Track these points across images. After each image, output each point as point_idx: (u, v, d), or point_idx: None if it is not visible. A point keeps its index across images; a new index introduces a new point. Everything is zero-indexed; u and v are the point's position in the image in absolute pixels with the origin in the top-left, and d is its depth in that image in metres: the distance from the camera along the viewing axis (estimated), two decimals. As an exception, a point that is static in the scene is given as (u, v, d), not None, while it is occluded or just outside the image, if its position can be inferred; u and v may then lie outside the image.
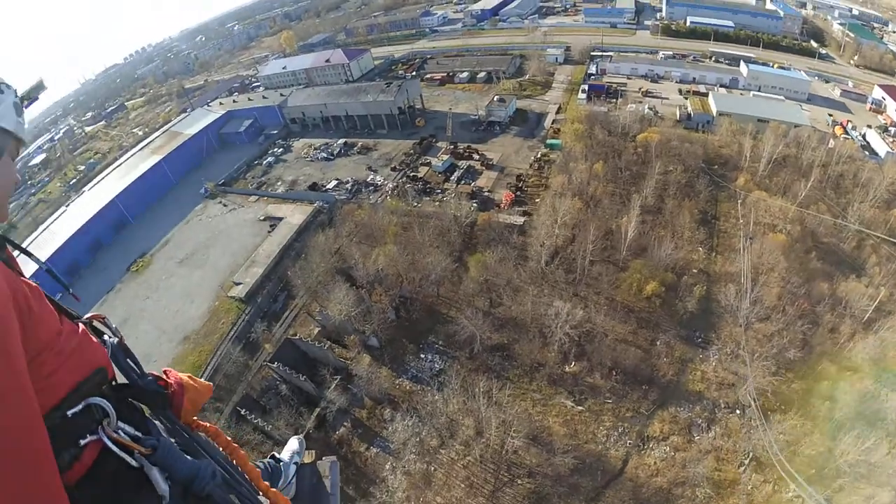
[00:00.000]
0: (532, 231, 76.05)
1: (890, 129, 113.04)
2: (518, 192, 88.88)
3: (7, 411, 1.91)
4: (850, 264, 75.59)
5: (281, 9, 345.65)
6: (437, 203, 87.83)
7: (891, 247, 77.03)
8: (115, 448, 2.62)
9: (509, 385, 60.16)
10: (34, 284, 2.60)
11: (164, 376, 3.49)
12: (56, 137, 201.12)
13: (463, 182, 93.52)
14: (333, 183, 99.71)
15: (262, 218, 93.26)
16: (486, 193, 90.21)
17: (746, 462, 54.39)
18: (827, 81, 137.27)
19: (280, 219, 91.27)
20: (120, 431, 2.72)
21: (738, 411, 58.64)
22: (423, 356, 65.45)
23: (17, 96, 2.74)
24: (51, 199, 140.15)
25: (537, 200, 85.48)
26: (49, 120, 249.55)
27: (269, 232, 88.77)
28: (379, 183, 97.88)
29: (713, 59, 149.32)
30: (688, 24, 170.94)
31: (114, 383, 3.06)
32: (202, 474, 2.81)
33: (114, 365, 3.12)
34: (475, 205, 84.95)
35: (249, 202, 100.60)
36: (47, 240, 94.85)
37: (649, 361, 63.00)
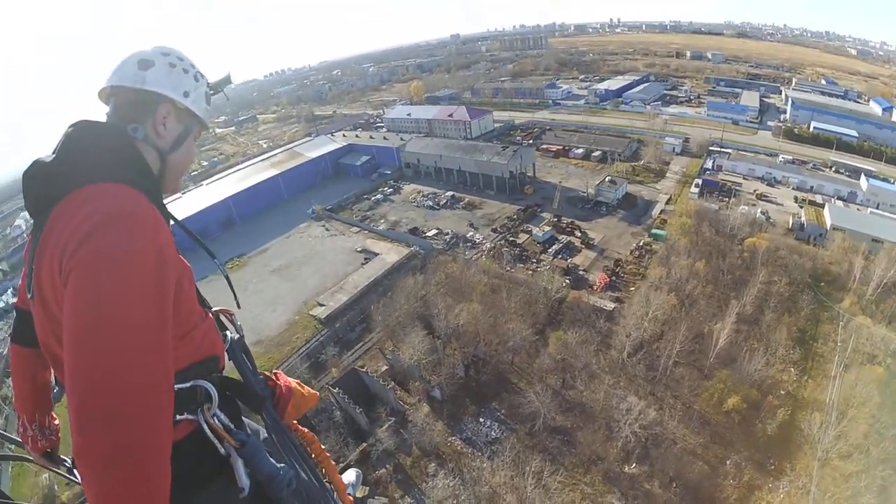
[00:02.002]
0: (620, 319, 72.16)
1: None
2: (613, 277, 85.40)
3: (150, 368, 2.04)
4: None
5: (415, 59, 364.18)
6: (530, 272, 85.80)
7: None
8: (208, 432, 2.73)
9: (562, 471, 56.23)
10: (187, 264, 2.81)
11: (274, 378, 3.84)
12: None
13: (560, 256, 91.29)
14: (433, 231, 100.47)
15: (358, 249, 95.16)
16: (581, 272, 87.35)
17: None
18: None
19: (375, 254, 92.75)
20: (216, 418, 2.79)
21: None
22: (481, 420, 62.86)
23: (208, 86, 3.21)
24: None
25: (632, 289, 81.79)
26: None
27: (363, 264, 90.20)
28: (477, 241, 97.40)
29: (833, 168, 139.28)
30: (811, 129, 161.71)
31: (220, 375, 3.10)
32: (279, 479, 2.83)
33: (229, 359, 3.43)
34: (568, 281, 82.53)
35: (350, 232, 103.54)
36: None
37: (714, 480, 56.94)
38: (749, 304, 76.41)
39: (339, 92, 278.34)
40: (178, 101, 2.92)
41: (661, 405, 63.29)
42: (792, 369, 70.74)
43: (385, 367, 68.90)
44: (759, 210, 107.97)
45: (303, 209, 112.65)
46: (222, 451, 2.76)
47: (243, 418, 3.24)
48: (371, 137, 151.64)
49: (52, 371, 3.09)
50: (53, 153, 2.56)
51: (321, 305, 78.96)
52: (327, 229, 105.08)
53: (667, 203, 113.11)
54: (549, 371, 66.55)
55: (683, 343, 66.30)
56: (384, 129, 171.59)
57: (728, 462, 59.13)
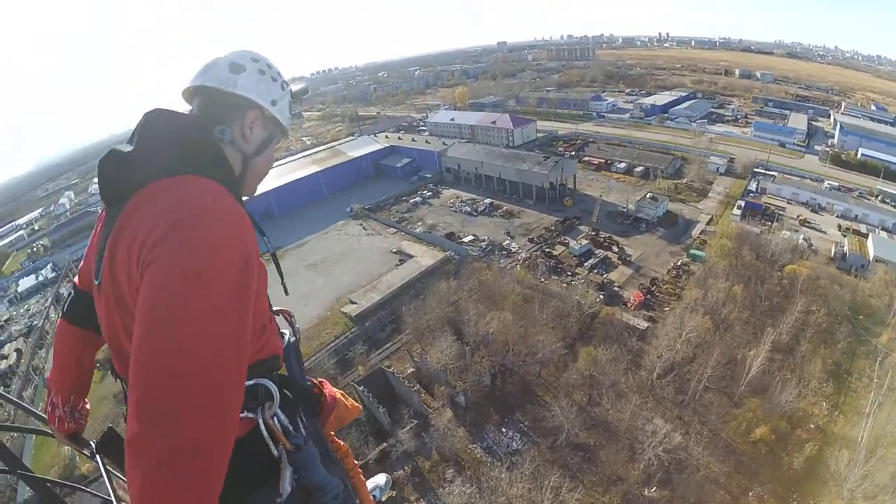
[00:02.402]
0: (653, 339, 71.17)
1: None
2: (648, 296, 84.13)
3: (227, 364, 2.01)
4: None
5: (461, 65, 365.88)
6: (565, 285, 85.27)
7: None
8: (265, 432, 2.65)
9: (581, 489, 55.14)
10: (263, 263, 2.68)
11: (320, 385, 3.83)
12: None
13: (595, 271, 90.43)
14: (470, 237, 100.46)
15: (394, 250, 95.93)
16: (616, 288, 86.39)
17: None
18: None
19: (410, 256, 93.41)
20: (275, 419, 2.75)
21: None
22: (504, 430, 62.52)
23: (291, 96, 3.28)
24: None
25: (666, 309, 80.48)
26: None
27: (397, 265, 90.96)
28: (513, 249, 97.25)
29: (879, 197, 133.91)
30: (859, 155, 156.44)
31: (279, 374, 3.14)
32: (329, 489, 2.81)
33: (283, 360, 3.30)
34: (602, 297, 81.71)
35: (387, 232, 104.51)
36: None
37: (737, 511, 55.28)
38: (785, 332, 74.34)
39: (384, 93, 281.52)
40: (266, 108, 2.98)
41: (687, 430, 62.01)
42: (824, 403, 68.51)
43: (412, 370, 69.21)
44: (801, 236, 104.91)
45: (342, 207, 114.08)
46: (275, 453, 2.67)
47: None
48: (413, 140, 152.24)
49: (114, 363, 2.83)
50: (131, 142, 2.55)
51: (353, 303, 79.84)
52: (364, 228, 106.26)
53: (708, 223, 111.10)
54: (577, 386, 65.98)
55: (715, 368, 64.97)
56: (427, 133, 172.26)
57: (751, 494, 57.46)
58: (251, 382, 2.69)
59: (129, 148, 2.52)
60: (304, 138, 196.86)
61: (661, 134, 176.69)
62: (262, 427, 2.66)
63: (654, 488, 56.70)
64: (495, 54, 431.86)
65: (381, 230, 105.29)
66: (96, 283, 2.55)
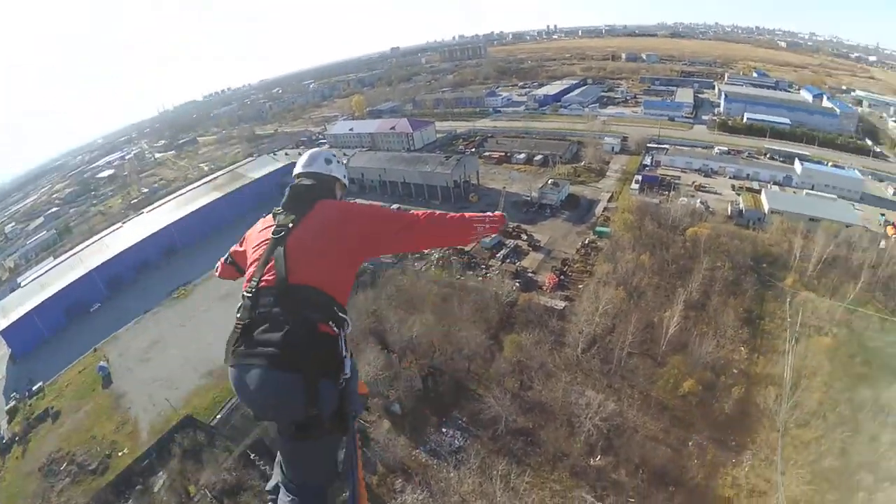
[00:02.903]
0: (572, 317, 74.14)
1: None
2: (562, 277, 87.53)
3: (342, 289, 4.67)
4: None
5: (356, 74, 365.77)
6: (480, 278, 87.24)
7: None
8: (342, 342, 4.34)
9: (529, 472, 57.31)
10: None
11: None
12: (127, 157, 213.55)
13: (508, 261, 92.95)
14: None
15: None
16: (530, 274, 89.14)
17: None
18: (881, 180, 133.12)
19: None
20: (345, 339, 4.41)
21: None
22: (444, 430, 63.23)
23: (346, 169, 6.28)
24: (110, 212, 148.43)
25: (580, 286, 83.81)
26: (124, 139, 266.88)
27: None
28: (425, 252, 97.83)
29: (768, 156, 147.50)
30: (745, 120, 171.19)
31: None
32: (355, 400, 4.57)
33: None
34: (517, 284, 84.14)
35: None
36: (98, 250, 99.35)
37: (679, 462, 59.14)
38: (695, 290, 79.88)
39: (281, 110, 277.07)
40: (343, 180, 6.04)
41: (619, 396, 65.12)
42: (742, 348, 74.10)
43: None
44: (698, 201, 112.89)
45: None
46: (344, 353, 4.32)
47: None
48: None
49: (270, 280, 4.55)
50: (305, 183, 5.50)
51: None
52: None
53: (609, 201, 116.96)
54: (506, 374, 67.55)
55: (635, 334, 68.65)
56: (327, 146, 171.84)
57: (690, 443, 61.38)
58: (342, 315, 4.44)
59: (308, 182, 5.50)
60: (202, 164, 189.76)
61: (557, 122, 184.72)
62: (343, 339, 4.33)
63: (599, 457, 59.24)
64: (389, 60, 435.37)
65: None
66: (280, 248, 4.58)
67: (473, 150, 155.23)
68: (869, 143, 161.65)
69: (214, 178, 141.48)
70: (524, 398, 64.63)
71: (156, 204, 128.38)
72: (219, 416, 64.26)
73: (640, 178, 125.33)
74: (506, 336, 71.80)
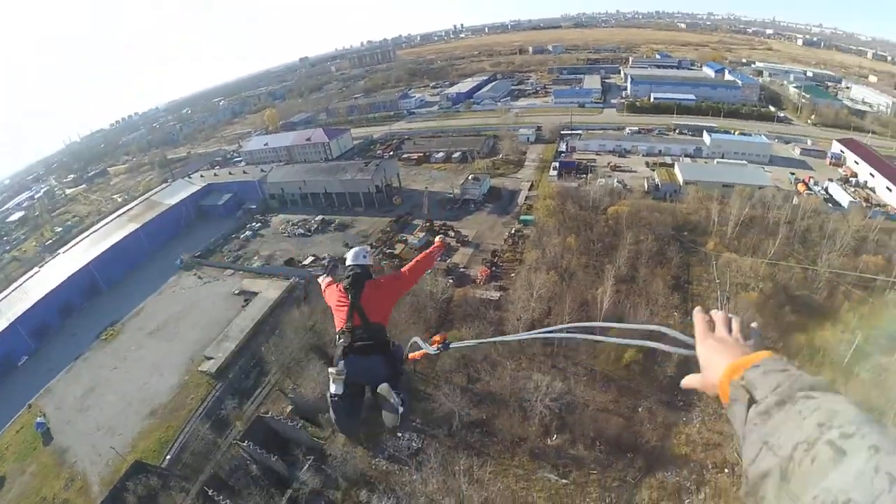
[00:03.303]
0: (508, 305, 76.27)
1: (851, 180, 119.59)
2: (493, 268, 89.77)
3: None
4: (824, 313, 76.76)
5: (266, 87, 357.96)
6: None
7: (862, 291, 79.34)
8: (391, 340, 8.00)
9: (490, 462, 58.63)
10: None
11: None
12: (36, 196, 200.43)
13: (439, 259, 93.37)
14: (310, 259, 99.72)
15: (236, 292, 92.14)
16: (462, 269, 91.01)
17: None
18: (787, 142, 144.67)
19: (255, 293, 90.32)
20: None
21: (726, 470, 57.64)
22: (399, 435, 62.92)
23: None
24: (25, 257, 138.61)
25: (512, 275, 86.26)
26: (31, 178, 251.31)
27: (244, 306, 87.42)
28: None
29: (677, 131, 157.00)
30: (651, 100, 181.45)
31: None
32: (402, 389, 7.53)
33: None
34: (451, 281, 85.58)
35: (224, 275, 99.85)
36: (18, 298, 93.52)
37: (632, 429, 62.21)
38: (623, 265, 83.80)
39: (192, 131, 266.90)
40: (371, 264, 8.51)
41: (564, 375, 67.58)
42: (675, 313, 78.06)
43: (290, 407, 67.44)
44: (615, 180, 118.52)
45: (170, 261, 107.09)
46: (394, 345, 8.00)
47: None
48: (230, 174, 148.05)
49: (356, 321, 7.65)
50: (357, 271, 8.01)
51: (209, 359, 75.48)
52: (200, 277, 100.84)
53: (530, 189, 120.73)
54: (452, 371, 68.88)
55: (571, 314, 71.33)
56: (243, 163, 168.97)
57: (640, 409, 64.68)
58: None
59: (358, 270, 8.01)
60: (115, 196, 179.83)
61: (471, 118, 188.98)
62: (391, 339, 7.87)
63: (555, 436, 61.42)
64: (298, 71, 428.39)
65: (217, 275, 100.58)
66: (358, 306, 7.60)
67: (392, 153, 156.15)
68: (772, 109, 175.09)
69: (129, 208, 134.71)
70: (473, 391, 66.00)
71: (71, 243, 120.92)
72: (168, 457, 61.87)
73: (557, 164, 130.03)
74: (446, 333, 72.49)
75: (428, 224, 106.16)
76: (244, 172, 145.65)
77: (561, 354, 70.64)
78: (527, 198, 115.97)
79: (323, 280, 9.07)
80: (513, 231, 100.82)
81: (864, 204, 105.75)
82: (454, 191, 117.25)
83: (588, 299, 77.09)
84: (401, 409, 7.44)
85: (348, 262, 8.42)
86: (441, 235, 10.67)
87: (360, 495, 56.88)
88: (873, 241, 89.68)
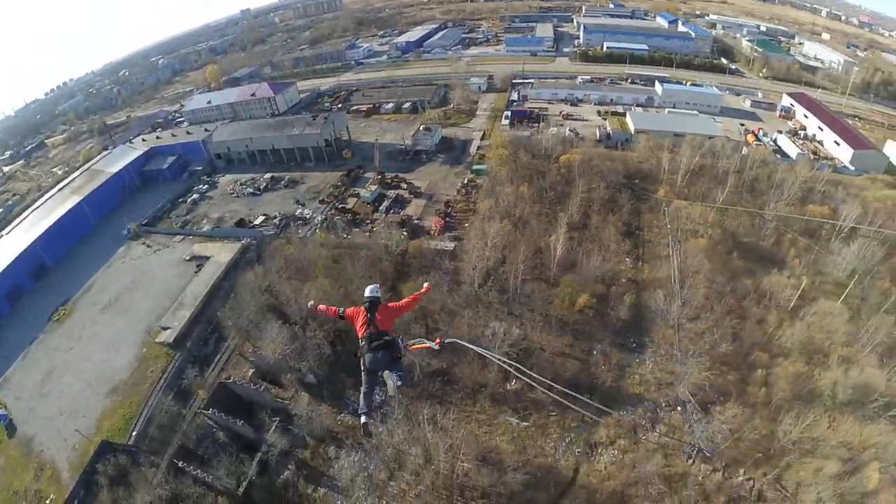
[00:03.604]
0: (463, 255, 77.05)
1: (799, 132, 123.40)
2: (447, 218, 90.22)
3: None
4: (771, 259, 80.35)
5: (206, 42, 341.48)
6: (367, 234, 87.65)
7: (808, 239, 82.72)
8: (397, 339, 11.33)
9: (453, 409, 60.17)
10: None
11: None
12: None
13: (392, 211, 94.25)
14: (261, 218, 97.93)
15: (187, 258, 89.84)
16: (416, 221, 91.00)
17: (693, 454, 56.48)
18: (738, 94, 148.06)
19: (207, 258, 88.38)
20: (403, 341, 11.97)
21: (678, 408, 60.74)
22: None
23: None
24: None
25: (466, 225, 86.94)
26: None
27: (196, 272, 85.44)
28: (307, 216, 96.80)
29: (629, 80, 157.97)
30: (604, 49, 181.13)
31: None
32: (400, 367, 10.96)
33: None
34: (405, 233, 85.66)
35: (174, 242, 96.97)
36: None
37: (588, 371, 64.52)
38: (575, 212, 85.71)
39: (131, 93, 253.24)
40: (380, 296, 12.00)
41: (521, 322, 69.21)
42: (627, 259, 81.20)
43: (252, 371, 67.15)
44: (567, 129, 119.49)
45: (117, 231, 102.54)
46: (399, 342, 11.29)
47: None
48: (173, 135, 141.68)
49: (369, 328, 11.18)
50: (372, 301, 11.63)
51: (165, 329, 73.57)
52: (149, 246, 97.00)
53: (482, 139, 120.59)
54: (411, 322, 68.58)
55: (526, 262, 72.58)
56: (186, 124, 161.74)
57: (595, 352, 67.09)
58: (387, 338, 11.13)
59: (373, 298, 11.64)
60: (55, 169, 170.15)
61: (421, 67, 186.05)
62: (396, 338, 11.18)
63: (514, 381, 63.00)
64: (240, 23, 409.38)
65: (167, 242, 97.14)
66: (373, 321, 11.21)
67: (340, 105, 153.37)
68: (724, 61, 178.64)
69: (70, 180, 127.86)
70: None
71: (14, 223, 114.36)
72: (134, 433, 60.57)
73: (509, 113, 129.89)
74: (403, 285, 72.89)
75: (380, 177, 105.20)
76: (188, 133, 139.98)
77: (517, 301, 72.08)
78: (479, 147, 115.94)
79: (352, 308, 12.38)
80: (466, 181, 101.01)
81: (812, 156, 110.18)
82: (405, 142, 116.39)
83: (542, 247, 78.47)
84: (399, 384, 10.75)
85: (366, 295, 11.93)
86: (427, 283, 14.23)
87: (329, 452, 57.71)
88: (819, 192, 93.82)
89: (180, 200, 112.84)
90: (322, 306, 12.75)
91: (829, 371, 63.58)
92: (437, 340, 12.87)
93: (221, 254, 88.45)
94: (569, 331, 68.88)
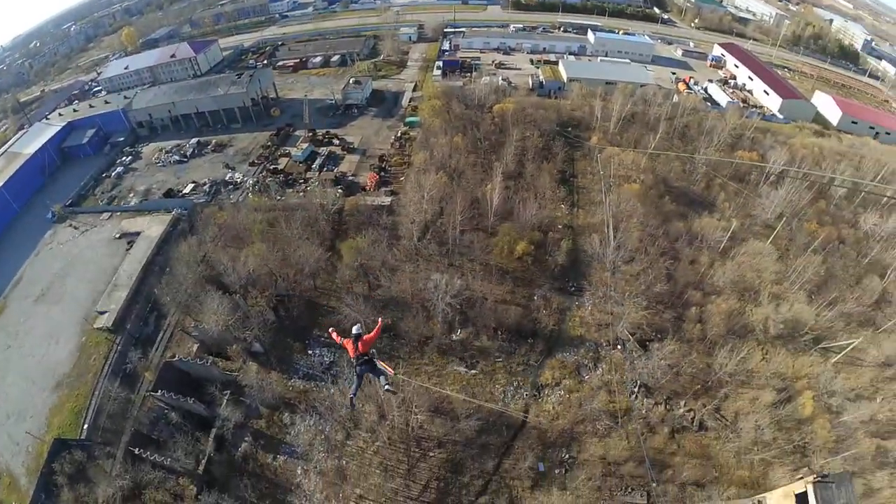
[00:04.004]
0: (400, 210, 77.13)
1: (729, 81, 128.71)
2: (382, 173, 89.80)
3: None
4: (702, 203, 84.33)
5: (120, 4, 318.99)
6: (302, 193, 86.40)
7: (738, 184, 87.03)
8: (373, 356, 19.80)
9: (402, 363, 61.34)
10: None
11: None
12: None
13: (325, 169, 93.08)
14: (190, 186, 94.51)
15: (117, 236, 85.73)
16: (351, 178, 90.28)
17: (636, 390, 59.89)
18: (669, 43, 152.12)
19: (137, 234, 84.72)
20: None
21: (619, 346, 63.90)
22: (310, 352, 64.42)
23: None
24: None
25: (402, 179, 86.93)
26: None
27: (128, 250, 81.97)
28: (238, 180, 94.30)
29: (562, 29, 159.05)
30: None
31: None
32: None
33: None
34: (340, 190, 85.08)
35: (102, 221, 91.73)
36: None
37: (530, 316, 66.49)
38: (510, 162, 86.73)
39: (43, 66, 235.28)
40: (363, 332, 19.88)
41: (462, 272, 70.42)
42: (562, 206, 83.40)
43: (196, 346, 65.92)
44: (500, 78, 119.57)
45: (41, 216, 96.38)
46: (375, 357, 19.83)
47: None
48: (91, 107, 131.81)
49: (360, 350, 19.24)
50: (357, 333, 19.45)
51: (103, 313, 70.50)
52: (76, 227, 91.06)
53: (414, 90, 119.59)
54: (353, 280, 69.73)
55: (463, 212, 73.30)
56: (104, 93, 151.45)
57: (535, 297, 69.16)
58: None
59: (358, 333, 19.40)
60: None
61: (349, 18, 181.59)
62: (371, 354, 19.66)
63: (459, 331, 64.84)
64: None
65: (94, 221, 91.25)
66: (357, 344, 19.21)
67: (266, 62, 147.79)
68: (657, 11, 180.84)
69: None
70: (376, 298, 67.37)
71: None
72: (86, 426, 59.01)
73: (441, 63, 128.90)
74: (342, 244, 72.98)
75: (310, 134, 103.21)
76: (106, 103, 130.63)
77: (457, 252, 73.20)
78: (411, 99, 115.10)
79: (346, 340, 19.17)
80: (399, 134, 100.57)
81: (742, 105, 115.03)
82: (335, 97, 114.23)
83: (478, 197, 79.44)
84: (386, 387, 19.56)
85: (353, 332, 18.73)
86: (382, 318, 22.58)
87: (284, 418, 58.13)
88: (749, 139, 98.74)
89: (104, 175, 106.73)
90: (334, 334, 21.45)
91: (761, 307, 68.53)
92: (391, 371, 20.86)
93: (152, 228, 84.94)
94: (509, 279, 70.60)
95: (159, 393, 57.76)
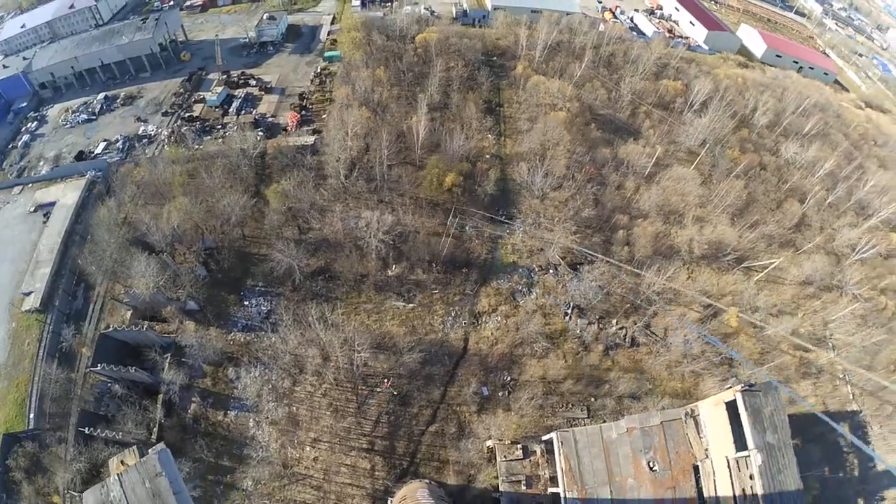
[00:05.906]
0: (325, 148, 76.47)
1: (656, 12, 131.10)
2: (303, 112, 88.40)
3: None
4: (627, 130, 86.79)
5: None
6: (221, 140, 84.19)
7: (662, 112, 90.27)
8: None
9: (340, 304, 62.05)
10: None
11: None
12: None
13: (243, 112, 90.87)
14: (102, 146, 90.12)
15: (32, 209, 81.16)
16: (271, 119, 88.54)
17: (569, 311, 63.32)
18: None
19: (52, 203, 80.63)
20: None
21: (551, 271, 66.72)
22: (246, 303, 64.16)
23: None
24: None
25: (324, 116, 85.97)
26: None
27: (45, 222, 78.13)
28: (152, 133, 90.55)
29: None
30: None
31: None
32: None
33: None
34: (261, 133, 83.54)
35: (14, 196, 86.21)
36: None
37: (463, 247, 68.11)
38: (435, 93, 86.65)
39: None
40: None
41: (392, 208, 70.94)
42: (489, 136, 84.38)
43: (129, 312, 64.28)
44: (422, 7, 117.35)
45: None
46: None
47: None
48: None
49: None
50: None
51: (29, 294, 67.70)
52: None
53: (332, 23, 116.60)
54: (282, 225, 69.44)
55: (389, 147, 73.12)
56: (1, 57, 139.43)
57: (467, 228, 70.51)
58: None
59: None
60: None
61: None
62: None
63: (394, 266, 65.78)
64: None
65: (6, 197, 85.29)
66: None
67: (172, 3, 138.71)
68: None
69: None
70: (307, 241, 67.59)
71: None
72: (32, 416, 57.33)
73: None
74: (267, 189, 72.00)
75: (225, 77, 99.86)
76: (4, 67, 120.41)
77: (385, 188, 73.82)
78: (330, 32, 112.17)
79: None
80: (318, 70, 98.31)
81: (668, 35, 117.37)
82: (249, 35, 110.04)
83: (404, 130, 79.50)
84: None
85: None
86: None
87: (228, 373, 58.49)
88: (674, 69, 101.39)
89: (10, 146, 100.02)
90: None
91: (685, 229, 73.05)
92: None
93: (67, 195, 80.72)
94: (440, 210, 71.72)
95: (99, 367, 56.86)
